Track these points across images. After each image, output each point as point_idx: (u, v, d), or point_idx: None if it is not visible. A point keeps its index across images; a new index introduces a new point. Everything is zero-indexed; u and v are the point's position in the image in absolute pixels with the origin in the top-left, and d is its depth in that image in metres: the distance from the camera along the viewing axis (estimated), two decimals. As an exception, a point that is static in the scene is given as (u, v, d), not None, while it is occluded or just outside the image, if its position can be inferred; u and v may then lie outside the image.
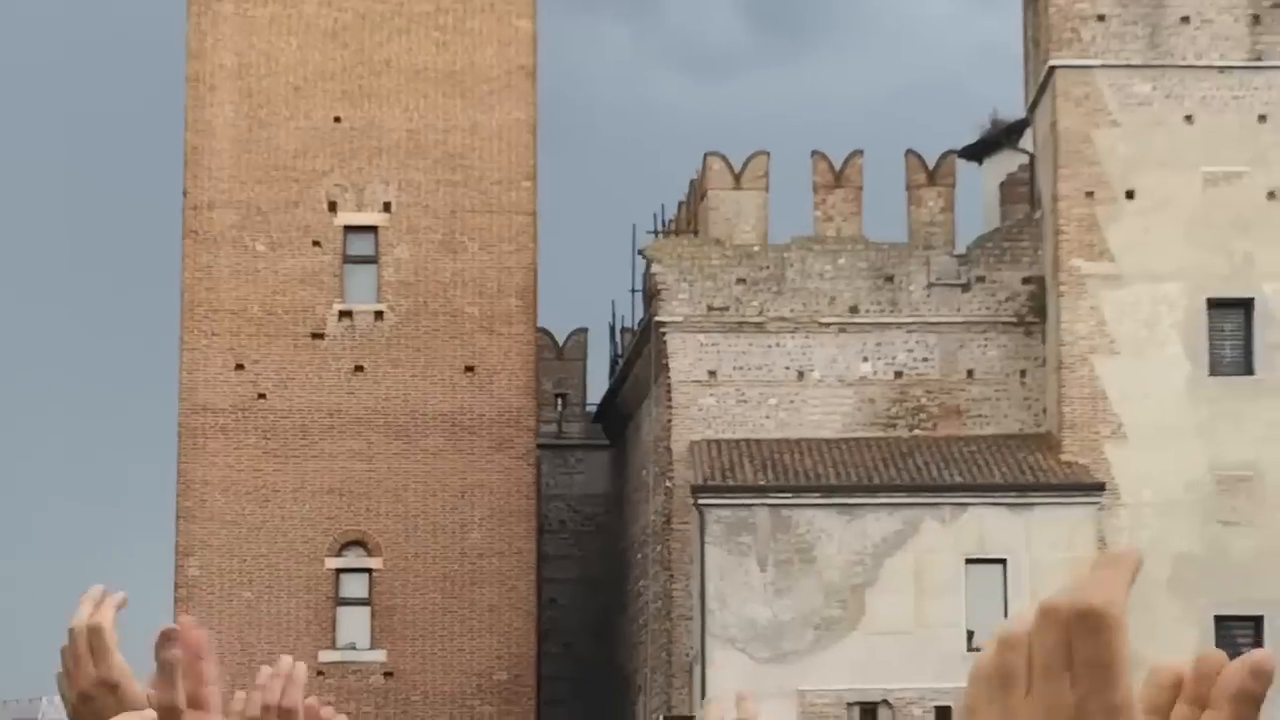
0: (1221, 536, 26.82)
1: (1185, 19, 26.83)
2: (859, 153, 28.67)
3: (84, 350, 53.99)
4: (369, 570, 28.37)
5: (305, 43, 28.29)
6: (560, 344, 33.89)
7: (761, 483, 27.37)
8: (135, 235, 49.40)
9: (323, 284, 28.32)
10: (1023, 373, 28.02)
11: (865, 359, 28.12)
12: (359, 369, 28.40)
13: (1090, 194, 26.89)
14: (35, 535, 52.10)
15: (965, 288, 28.23)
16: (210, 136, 28.24)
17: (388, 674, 28.11)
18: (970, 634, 27.12)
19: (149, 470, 29.08)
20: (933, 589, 26.85)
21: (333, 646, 28.19)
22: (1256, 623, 27.10)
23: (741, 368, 28.03)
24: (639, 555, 31.16)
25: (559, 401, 33.96)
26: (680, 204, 30.42)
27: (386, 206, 28.59)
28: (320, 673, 27.18)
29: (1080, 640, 0.50)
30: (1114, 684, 0.50)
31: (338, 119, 28.45)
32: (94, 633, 1.16)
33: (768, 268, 28.29)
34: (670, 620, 28.44)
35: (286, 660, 1.32)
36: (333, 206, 28.49)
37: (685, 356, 28.24)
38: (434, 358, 28.59)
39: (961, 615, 26.80)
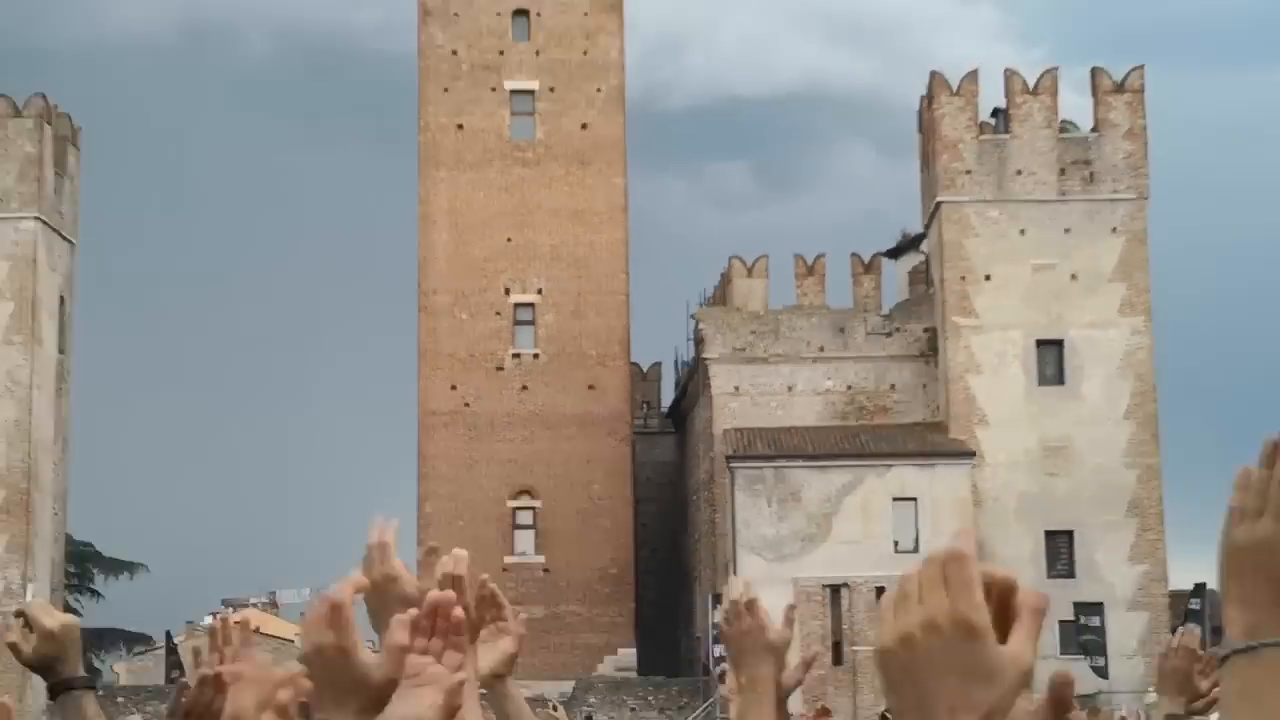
0: (1048, 483, 37.84)
1: (1019, 171, 38.52)
2: (822, 255, 40.37)
3: (358, 382, 77.89)
4: (533, 508, 41.30)
5: (489, 194, 41.17)
6: (644, 371, 46.07)
7: (768, 453, 37.91)
8: (388, 311, 72.83)
9: (502, 338, 41.50)
10: (925, 385, 39.35)
11: (829, 379, 39.31)
12: (525, 388, 41.34)
13: (963, 278, 38.13)
14: (320, 493, 72.89)
15: (889, 335, 39.53)
16: (433, 250, 41.54)
17: (545, 570, 40.91)
18: (895, 543, 36.95)
19: (401, 449, 43.90)
20: (873, 516, 37.31)
21: (511, 554, 40.81)
22: (1070, 535, 38.10)
23: (755, 385, 39.10)
24: (695, 497, 42.71)
25: (645, 406, 45.98)
26: (716, 286, 42.00)
27: (539, 290, 41.41)
28: (505, 570, 38.55)
29: (951, 568, 0.85)
30: (973, 592, 0.85)
31: (509, 239, 41.27)
32: (381, 546, 1.64)
33: (769, 324, 39.46)
34: (715, 537, 38.97)
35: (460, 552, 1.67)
36: (507, 291, 41.45)
37: (720, 378, 39.27)
38: (569, 382, 41.36)
39: (890, 532, 37.08)
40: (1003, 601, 0.91)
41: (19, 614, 2.36)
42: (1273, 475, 1.00)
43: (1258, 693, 1.07)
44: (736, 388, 39.55)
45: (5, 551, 39.65)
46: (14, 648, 2.33)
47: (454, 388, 41.69)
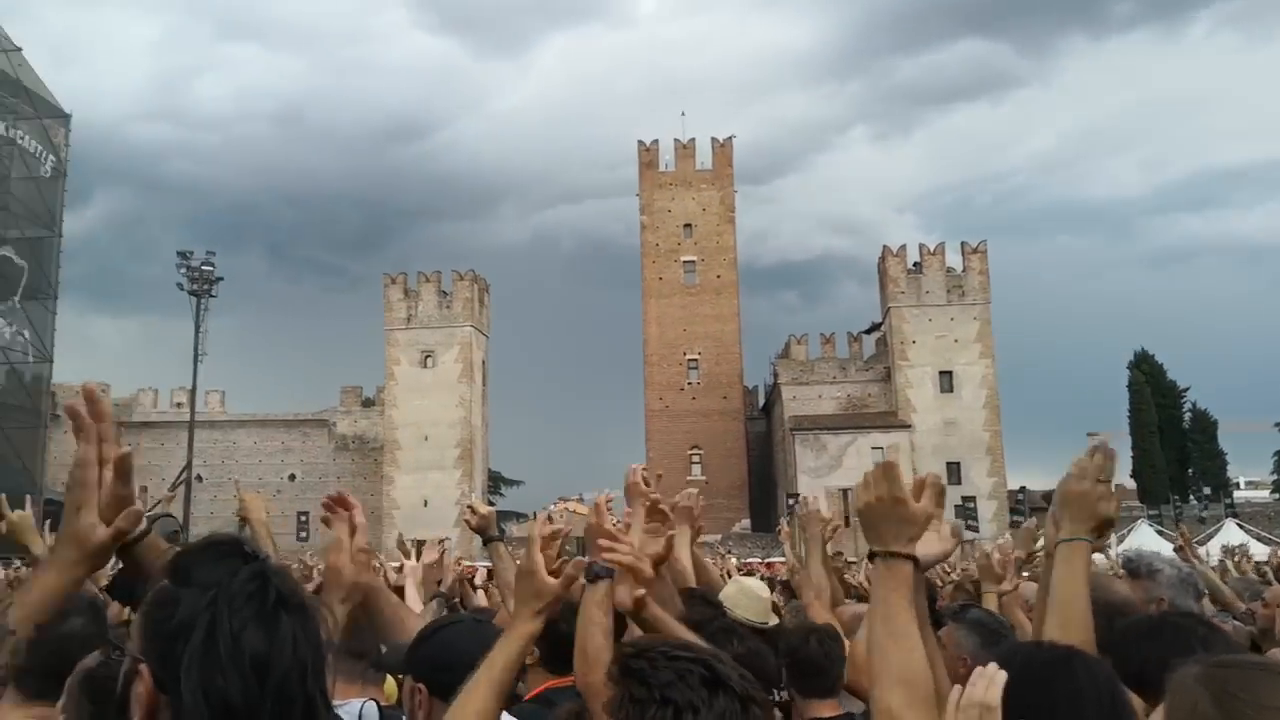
0: (944, 440, 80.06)
1: (928, 291, 75.77)
2: (834, 333, 76.36)
3: (623, 396, 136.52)
4: (700, 453, 78.94)
5: (675, 309, 78.15)
6: (750, 389, 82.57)
7: (811, 428, 67.69)
8: (632, 363, 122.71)
9: (683, 374, 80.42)
10: (885, 394, 72.72)
11: (838, 392, 74.29)
12: (694, 398, 79.68)
13: (901, 342, 71.59)
14: (612, 447, 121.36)
15: (867, 370, 75.07)
16: (651, 334, 78.86)
17: (706, 482, 79.19)
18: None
19: (639, 428, 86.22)
20: (862, 456, 68.06)
21: (690, 475, 79.30)
22: (959, 464, 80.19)
23: (801, 394, 73.96)
24: (776, 448, 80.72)
25: (750, 405, 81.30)
26: (782, 348, 77.87)
27: (700, 353, 78.00)
28: (687, 483, 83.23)
29: (886, 468, 1.93)
30: (898, 480, 1.88)
31: (684, 330, 78.82)
32: (598, 507, 2.42)
33: (808, 367, 73.20)
34: (785, 466, 77.27)
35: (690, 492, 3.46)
36: (685, 353, 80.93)
37: (786, 392, 68.85)
38: (714, 395, 78.46)
39: (870, 465, 79.79)
40: (922, 484, 1.82)
41: (469, 505, 4.25)
42: (1092, 460, 1.96)
43: (1067, 559, 2.13)
44: (794, 396, 71.80)
45: (463, 475, 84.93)
46: (467, 522, 4.32)
47: (661, 398, 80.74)
